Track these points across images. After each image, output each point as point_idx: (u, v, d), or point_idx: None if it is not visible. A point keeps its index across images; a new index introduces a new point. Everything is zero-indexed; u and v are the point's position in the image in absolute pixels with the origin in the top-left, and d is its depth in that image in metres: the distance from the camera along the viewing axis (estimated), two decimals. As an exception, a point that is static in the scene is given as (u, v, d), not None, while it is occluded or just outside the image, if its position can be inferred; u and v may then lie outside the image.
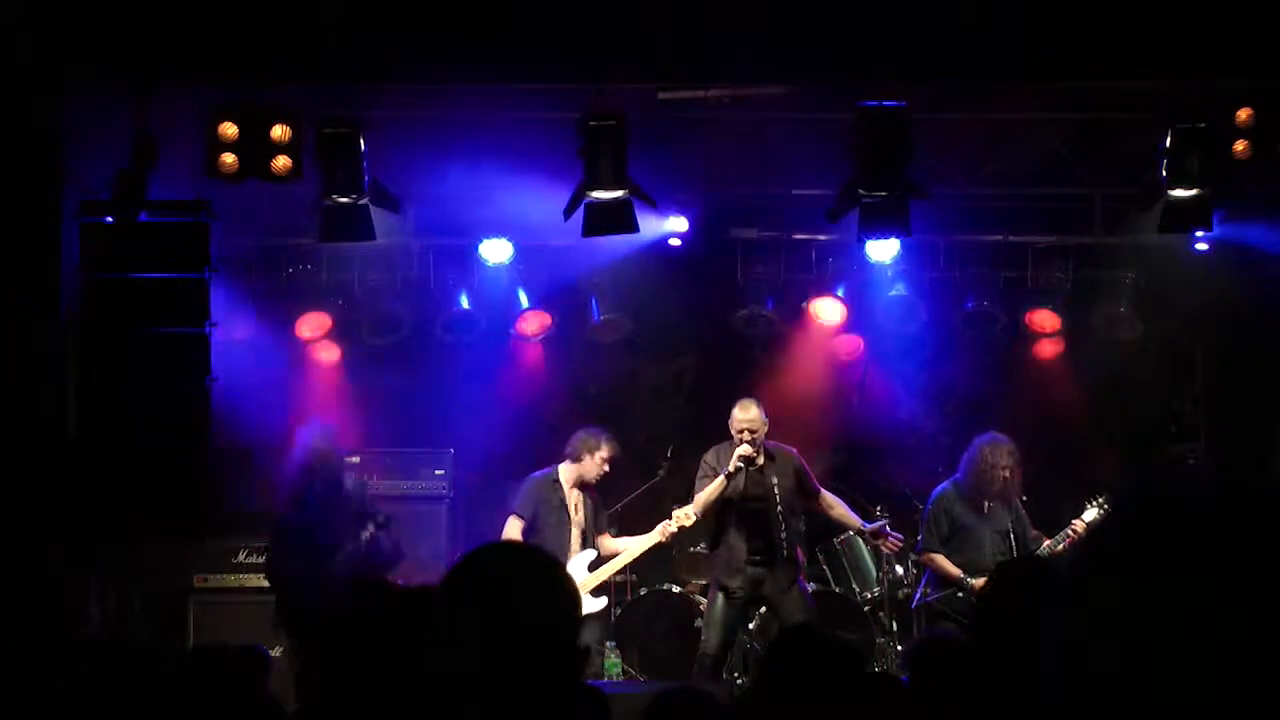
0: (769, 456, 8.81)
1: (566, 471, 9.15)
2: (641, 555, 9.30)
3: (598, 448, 9.11)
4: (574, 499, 9.14)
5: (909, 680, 5.05)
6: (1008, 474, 8.79)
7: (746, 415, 8.70)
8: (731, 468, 8.61)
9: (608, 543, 9.27)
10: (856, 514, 9.19)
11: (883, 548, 9.45)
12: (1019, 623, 2.68)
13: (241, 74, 7.89)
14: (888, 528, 9.20)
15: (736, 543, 8.71)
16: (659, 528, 9.15)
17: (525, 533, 8.96)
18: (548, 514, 9.01)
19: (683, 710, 3.35)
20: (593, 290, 10.78)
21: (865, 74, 8.24)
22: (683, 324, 11.11)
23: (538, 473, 9.25)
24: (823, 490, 9.06)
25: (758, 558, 8.71)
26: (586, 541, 9.14)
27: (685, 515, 8.98)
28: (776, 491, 8.71)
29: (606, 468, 9.14)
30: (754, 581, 8.71)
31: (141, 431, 7.80)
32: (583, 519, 9.12)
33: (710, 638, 8.77)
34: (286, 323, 10.66)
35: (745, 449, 8.59)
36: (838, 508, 9.10)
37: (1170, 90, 8.33)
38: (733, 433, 8.71)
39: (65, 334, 7.85)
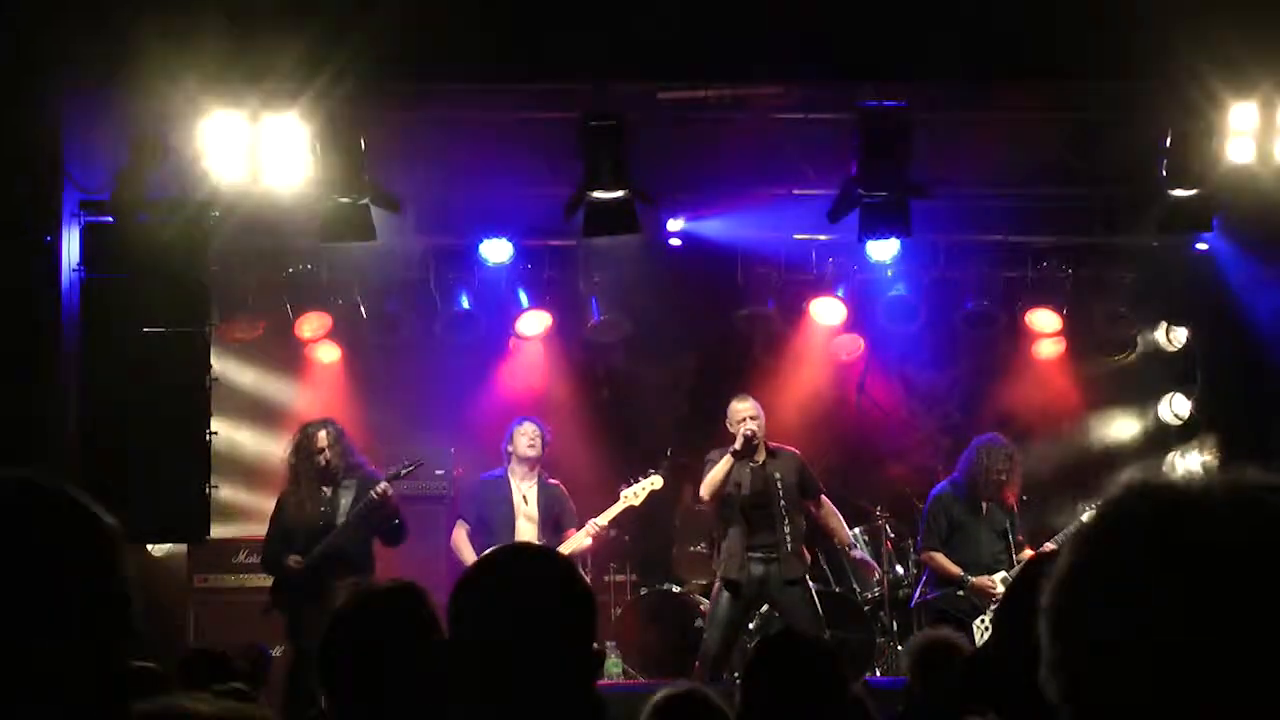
0: (771, 454, 8.83)
1: (511, 470, 9.15)
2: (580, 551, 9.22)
3: (514, 433, 9.11)
4: (522, 492, 9.09)
5: (909, 679, 5.06)
6: (1003, 478, 8.80)
7: (745, 404, 8.76)
8: (738, 444, 8.61)
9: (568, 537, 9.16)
10: (847, 529, 9.33)
11: (866, 572, 9.54)
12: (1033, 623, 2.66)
13: (241, 75, 7.89)
14: (867, 556, 9.31)
15: (741, 538, 8.71)
16: (587, 526, 9.13)
17: (473, 534, 8.97)
18: (492, 511, 8.96)
19: (684, 710, 3.34)
20: (593, 290, 10.78)
21: (865, 74, 8.24)
22: (683, 324, 11.11)
23: (485, 474, 9.28)
24: (824, 497, 9.08)
25: (761, 554, 8.71)
26: (542, 533, 9.07)
27: (605, 517, 9.08)
28: (779, 487, 8.72)
29: (530, 446, 9.06)
30: (759, 579, 8.71)
31: (141, 431, 7.80)
32: (534, 512, 9.03)
33: (712, 637, 8.77)
34: (287, 323, 10.67)
35: (750, 425, 8.60)
36: (834, 518, 9.17)
37: (1170, 90, 8.33)
38: (732, 425, 8.72)
39: (65, 334, 7.85)
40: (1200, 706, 1.14)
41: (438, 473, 10.44)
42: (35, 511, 1.52)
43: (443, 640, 2.95)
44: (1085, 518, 8.95)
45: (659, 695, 3.40)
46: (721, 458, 8.74)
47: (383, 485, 8.57)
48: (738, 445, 8.62)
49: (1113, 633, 1.18)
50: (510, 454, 9.13)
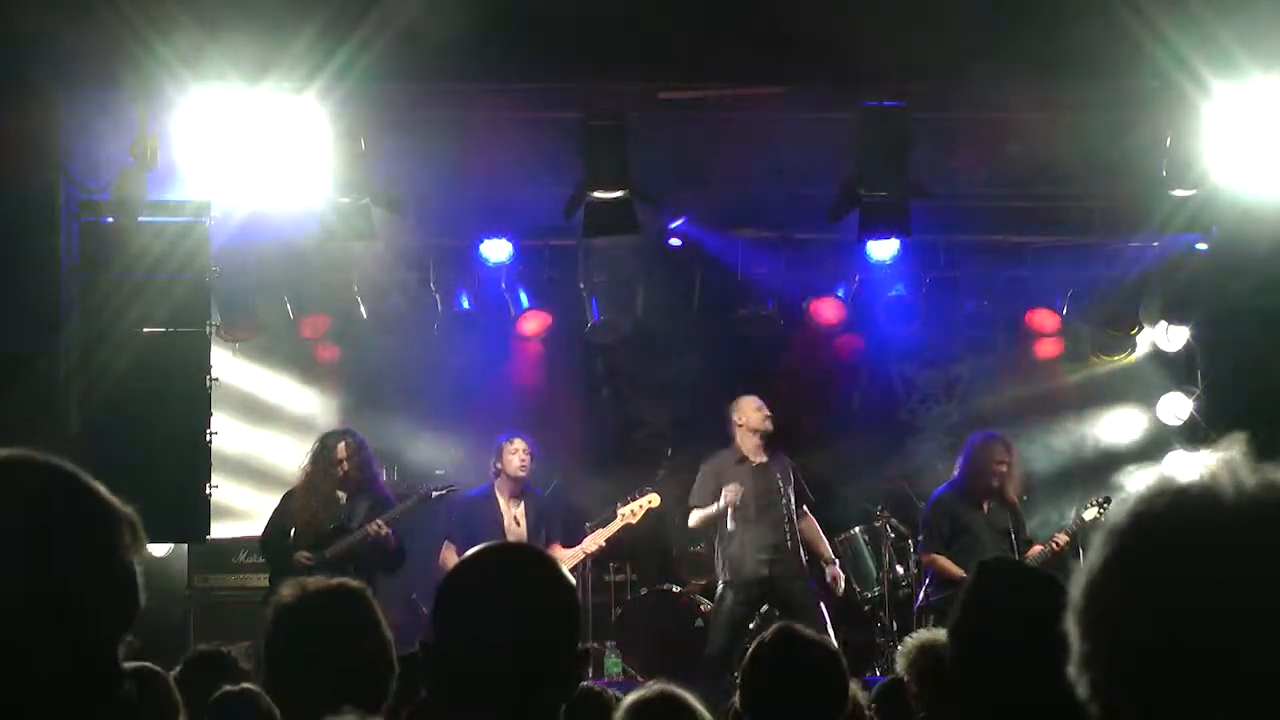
0: (771, 456, 8.86)
1: (498, 487, 9.04)
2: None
3: (504, 450, 9.01)
4: (512, 512, 8.97)
5: (906, 680, 5.05)
6: (1005, 469, 8.81)
7: (764, 407, 8.74)
8: (725, 501, 8.65)
9: (556, 552, 9.08)
10: (828, 545, 9.35)
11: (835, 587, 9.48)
12: (999, 627, 2.65)
13: (242, 75, 7.88)
14: (839, 573, 9.30)
15: (747, 539, 8.72)
16: (584, 543, 9.16)
17: (461, 554, 8.80)
18: (480, 531, 8.58)
19: (656, 713, 3.31)
20: (593, 290, 10.78)
21: (865, 74, 8.23)
22: (683, 324, 11.11)
23: (470, 492, 9.17)
24: (809, 511, 9.10)
25: (767, 555, 8.72)
26: None
27: (601, 536, 9.15)
28: (781, 487, 8.76)
29: (522, 467, 8.97)
30: (763, 579, 8.72)
31: (141, 431, 7.79)
32: (523, 531, 8.90)
33: (717, 638, 8.78)
34: (287, 323, 10.67)
35: (733, 495, 8.66)
36: (816, 533, 9.17)
37: (1170, 90, 8.32)
38: (753, 427, 8.73)
39: (65, 334, 7.84)
40: (1231, 709, 1.14)
41: (438, 472, 10.43)
42: (27, 485, 1.43)
43: (380, 641, 2.99)
44: (1086, 515, 8.95)
45: (629, 698, 3.36)
46: (715, 475, 8.76)
47: (374, 526, 8.43)
48: (724, 502, 8.64)
49: (1144, 633, 1.17)
50: (499, 470, 9.02)
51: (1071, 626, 1.23)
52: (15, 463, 1.45)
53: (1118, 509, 1.24)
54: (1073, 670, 1.22)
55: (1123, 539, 1.21)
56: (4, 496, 1.42)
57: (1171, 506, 1.20)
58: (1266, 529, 1.16)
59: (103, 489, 1.47)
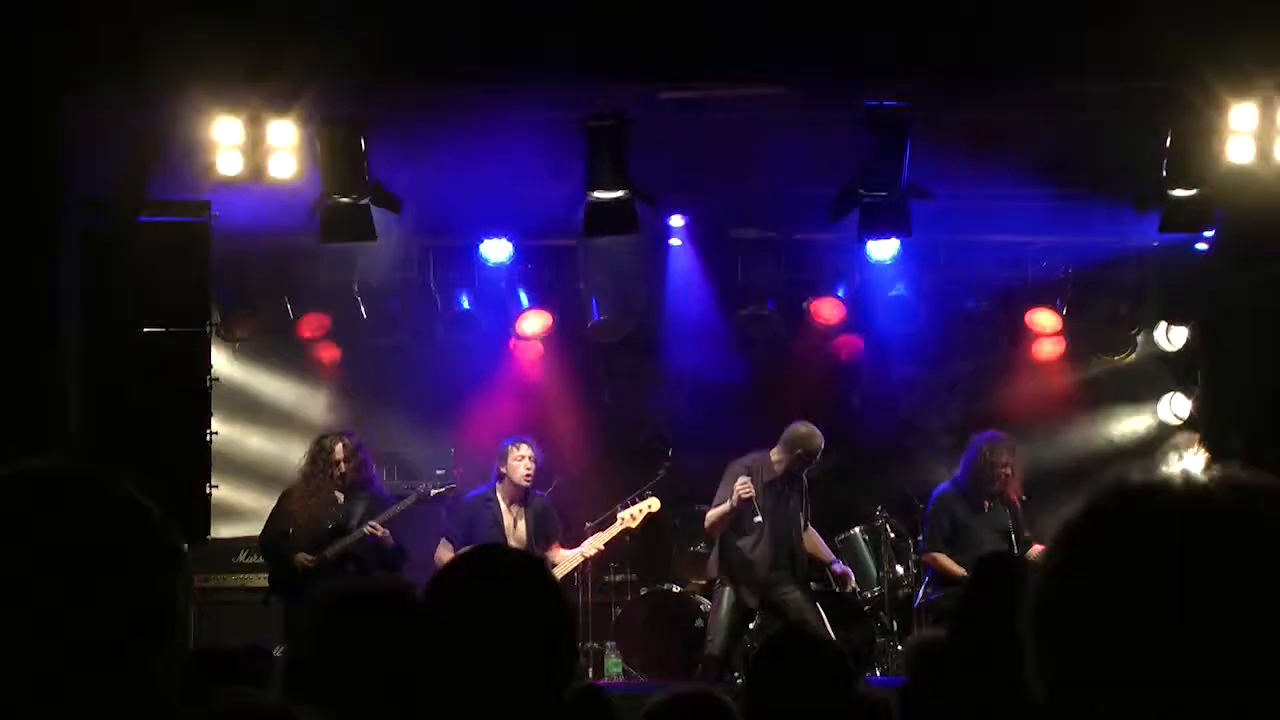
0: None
1: (500, 489, 8.98)
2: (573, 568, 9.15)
3: (509, 455, 8.91)
4: (512, 515, 8.92)
5: (907, 680, 5.06)
6: (1008, 471, 8.81)
7: (822, 448, 8.72)
8: (736, 496, 8.62)
9: (557, 554, 9.05)
10: (827, 548, 9.32)
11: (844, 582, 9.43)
12: (999, 622, 2.66)
13: (243, 74, 7.88)
14: (847, 569, 9.26)
15: (763, 550, 8.69)
16: (583, 546, 9.12)
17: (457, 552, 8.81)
18: (480, 532, 8.63)
19: (690, 712, 3.33)
20: (593, 290, 10.78)
21: (865, 74, 8.24)
22: (683, 324, 11.11)
23: (472, 492, 9.12)
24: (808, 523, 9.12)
25: (773, 562, 8.72)
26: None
27: (601, 540, 9.08)
28: (798, 501, 8.79)
29: (527, 476, 8.88)
30: (766, 584, 8.72)
31: (141, 431, 7.79)
32: (523, 534, 8.85)
33: (717, 638, 8.77)
34: (287, 323, 10.67)
35: (748, 491, 8.56)
36: (815, 539, 9.14)
37: (1170, 90, 8.32)
38: (810, 460, 8.67)
39: (65, 334, 7.85)
40: (1182, 706, 1.13)
41: (438, 473, 10.44)
42: (89, 506, 1.47)
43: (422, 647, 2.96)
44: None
45: (665, 695, 3.37)
46: (747, 474, 8.73)
47: (370, 527, 8.43)
48: (737, 499, 8.54)
49: (1095, 633, 1.16)
50: (503, 475, 8.95)
51: (1025, 629, 1.21)
52: (76, 478, 1.48)
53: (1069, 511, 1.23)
54: (1028, 673, 1.21)
55: (1072, 542, 1.21)
56: (67, 515, 1.44)
57: (1119, 509, 1.20)
58: (1213, 529, 1.16)
59: (155, 510, 1.49)
